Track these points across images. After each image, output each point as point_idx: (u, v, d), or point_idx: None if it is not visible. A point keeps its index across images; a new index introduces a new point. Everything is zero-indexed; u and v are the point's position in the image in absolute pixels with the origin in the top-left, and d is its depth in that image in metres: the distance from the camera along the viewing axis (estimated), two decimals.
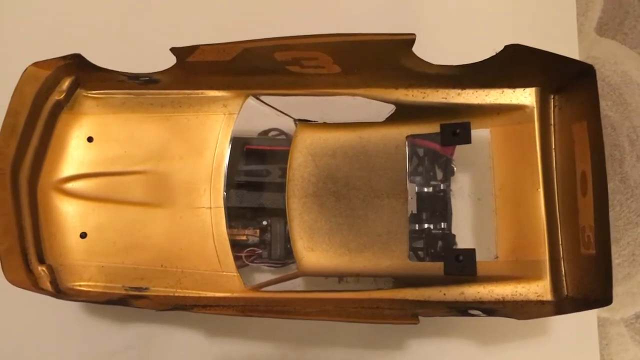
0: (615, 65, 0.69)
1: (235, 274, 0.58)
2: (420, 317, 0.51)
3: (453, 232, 0.60)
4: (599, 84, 0.70)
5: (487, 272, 0.57)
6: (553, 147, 0.58)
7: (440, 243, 0.60)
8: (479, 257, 0.57)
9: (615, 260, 0.65)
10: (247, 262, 0.63)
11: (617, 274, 0.65)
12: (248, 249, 0.62)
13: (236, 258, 0.61)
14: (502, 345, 0.65)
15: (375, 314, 0.54)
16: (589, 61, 0.70)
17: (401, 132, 0.60)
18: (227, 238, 0.58)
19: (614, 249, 0.65)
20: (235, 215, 0.62)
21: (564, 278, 0.55)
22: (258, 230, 0.63)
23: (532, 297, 0.55)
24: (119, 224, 0.59)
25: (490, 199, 0.58)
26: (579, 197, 0.53)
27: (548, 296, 0.55)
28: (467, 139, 0.59)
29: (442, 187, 0.61)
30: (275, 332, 0.65)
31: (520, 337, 0.65)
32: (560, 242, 0.56)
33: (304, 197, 0.59)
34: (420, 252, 0.60)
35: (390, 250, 0.58)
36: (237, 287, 0.57)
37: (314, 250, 0.59)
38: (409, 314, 0.50)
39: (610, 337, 0.63)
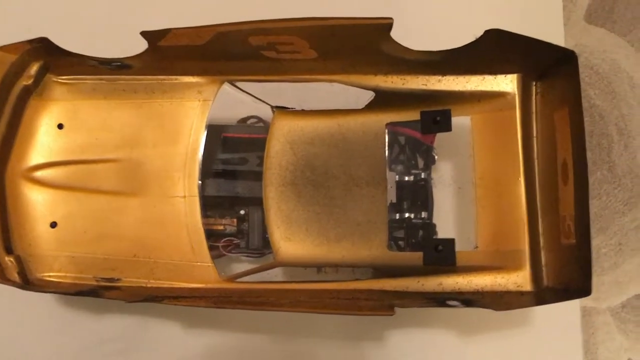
0: (604, 54, 0.69)
1: (210, 264, 0.57)
2: (399, 309, 0.50)
3: (434, 221, 0.59)
4: (587, 72, 0.70)
5: (466, 262, 0.56)
6: (535, 135, 0.57)
7: (420, 233, 0.59)
8: (459, 247, 0.56)
9: (602, 250, 0.65)
10: (224, 252, 0.61)
11: (604, 263, 0.64)
12: (225, 239, 0.61)
13: (212, 248, 0.60)
14: (483, 335, 0.65)
15: (352, 305, 0.53)
16: (577, 49, 0.69)
17: (381, 119, 0.59)
18: (201, 227, 0.57)
19: (600, 239, 0.65)
20: (211, 204, 0.61)
21: (544, 268, 0.54)
22: (235, 220, 0.62)
23: (512, 287, 0.54)
24: (90, 213, 0.58)
25: (471, 187, 0.57)
26: (560, 186, 0.52)
27: (528, 286, 0.54)
28: (447, 127, 0.57)
29: (423, 176, 0.60)
30: (257, 323, 0.64)
31: (502, 328, 0.64)
32: (540, 232, 0.55)
33: (281, 185, 0.58)
34: (400, 242, 0.59)
35: (369, 239, 0.57)
36: (212, 277, 0.56)
37: (291, 240, 0.58)
38: (387, 305, 0.49)
39: (597, 326, 0.63)
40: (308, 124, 0.59)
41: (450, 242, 0.56)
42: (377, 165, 0.58)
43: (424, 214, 0.59)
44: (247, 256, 0.63)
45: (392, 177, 0.60)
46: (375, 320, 0.63)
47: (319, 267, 0.60)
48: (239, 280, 0.58)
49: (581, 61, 0.68)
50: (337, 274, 0.60)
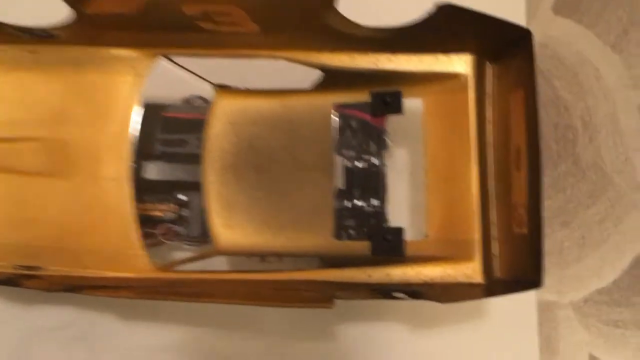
0: (570, 45, 0.67)
1: (142, 252, 0.52)
2: (344, 301, 0.47)
3: (386, 209, 0.56)
4: (554, 63, 0.68)
5: (416, 252, 0.53)
6: (489, 118, 0.54)
7: (371, 221, 0.56)
8: (409, 236, 0.53)
9: (565, 244, 0.63)
10: (162, 240, 0.58)
11: (567, 256, 0.63)
12: (162, 226, 0.57)
13: (150, 235, 0.56)
14: (434, 329, 0.62)
15: (292, 297, 0.49)
16: (544, 41, 0.67)
17: (328, 100, 0.56)
18: (133, 213, 0.53)
19: (564, 232, 0.64)
20: (149, 188, 0.58)
21: (495, 259, 0.52)
22: (175, 206, 0.58)
23: (462, 278, 0.51)
24: (11, 196, 0.53)
25: (423, 173, 0.54)
26: (513, 173, 0.50)
27: (478, 278, 0.51)
28: (398, 109, 0.55)
29: (374, 161, 0.57)
30: (202, 316, 0.61)
31: (453, 322, 0.62)
32: (492, 221, 0.52)
33: (222, 169, 0.55)
34: (349, 231, 0.56)
35: (315, 228, 0.54)
36: (143, 266, 0.52)
37: (231, 227, 0.54)
38: (329, 296, 0.46)
39: (558, 320, 0.62)
40: (251, 104, 0.56)
41: (399, 232, 0.53)
42: (324, 149, 0.55)
43: (375, 202, 0.56)
44: (188, 244, 0.59)
45: (340, 163, 0.56)
46: (320, 315, 0.60)
47: (262, 256, 0.57)
48: (174, 270, 0.54)
49: (547, 52, 0.66)
50: (281, 263, 0.57)
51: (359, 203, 0.57)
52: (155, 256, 0.54)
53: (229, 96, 0.56)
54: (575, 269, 0.64)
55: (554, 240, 0.63)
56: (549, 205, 0.63)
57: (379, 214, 0.57)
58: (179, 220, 0.58)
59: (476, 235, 0.52)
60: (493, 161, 0.53)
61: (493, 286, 0.50)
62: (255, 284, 0.51)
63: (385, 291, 0.50)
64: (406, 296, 0.49)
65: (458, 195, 0.53)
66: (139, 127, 0.55)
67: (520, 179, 0.49)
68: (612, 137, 0.65)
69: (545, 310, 0.63)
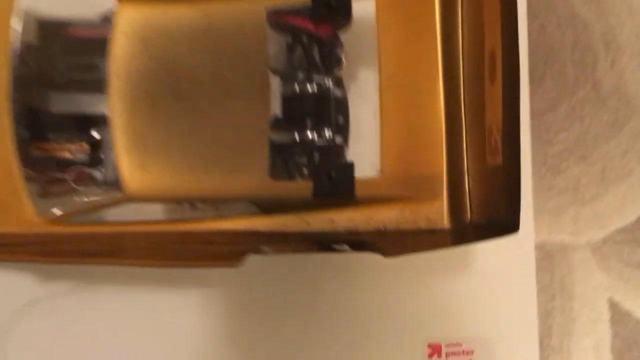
0: None
1: (27, 201, 0.43)
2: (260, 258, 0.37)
3: (344, 143, 0.47)
4: None
5: (367, 192, 0.42)
6: (460, 21, 0.42)
7: (321, 157, 0.45)
8: (359, 173, 0.43)
9: (582, 180, 0.59)
10: (75, 187, 0.48)
11: (584, 194, 0.59)
12: (73, 169, 0.48)
13: (58, 181, 0.47)
14: (403, 283, 0.52)
15: (200, 254, 0.39)
16: None
17: (260, 6, 0.44)
18: (15, 153, 0.43)
19: (581, 167, 0.59)
20: (55, 124, 0.48)
21: (466, 197, 0.41)
22: (87, 145, 0.48)
23: (423, 223, 0.40)
24: None
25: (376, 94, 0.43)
26: (487, 87, 0.39)
27: (444, 222, 0.41)
28: (345, 13, 0.44)
29: (325, 83, 0.47)
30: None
31: (440, 272, 0.52)
32: (462, 150, 0.41)
33: (132, 97, 0.45)
34: (290, 169, 0.46)
35: (246, 166, 0.45)
36: (29, 219, 0.42)
37: (145, 167, 0.44)
38: (241, 252, 0.36)
39: (574, 263, 0.58)
40: (166, 14, 0.46)
41: (347, 168, 0.43)
42: (256, 68, 0.45)
43: (328, 134, 0.46)
44: (106, 191, 0.49)
45: (278, 85, 0.45)
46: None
47: (189, 202, 0.47)
48: (71, 223, 0.44)
49: None
50: (216, 211, 0.47)
51: (308, 135, 0.46)
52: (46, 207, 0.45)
53: (138, 6, 0.46)
54: (593, 207, 0.59)
55: (570, 177, 0.58)
56: (565, 137, 0.58)
57: (334, 149, 0.47)
58: (94, 162, 0.49)
59: (443, 167, 0.41)
60: (462, 73, 0.41)
61: (461, 232, 0.40)
62: (161, 237, 0.41)
63: (325, 242, 0.40)
64: (348, 248, 0.39)
65: (420, 120, 0.42)
66: (19, 43, 0.44)
67: (494, 95, 0.38)
68: (638, 59, 0.60)
69: (559, 253, 0.58)
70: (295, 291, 0.53)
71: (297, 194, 0.44)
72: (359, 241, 0.40)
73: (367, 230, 0.41)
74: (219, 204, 0.48)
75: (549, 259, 0.59)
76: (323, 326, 0.53)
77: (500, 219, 0.37)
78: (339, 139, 0.47)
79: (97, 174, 0.49)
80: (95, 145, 0.49)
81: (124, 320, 0.51)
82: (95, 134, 0.49)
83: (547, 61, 0.61)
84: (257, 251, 0.38)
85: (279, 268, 0.52)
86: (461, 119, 0.42)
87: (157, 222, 0.44)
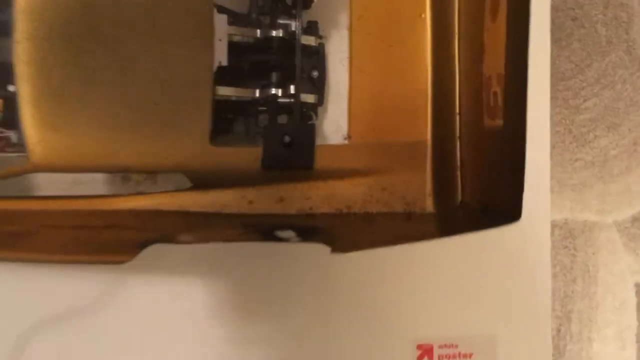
0: None
1: None
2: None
3: (313, 101, 0.38)
4: None
5: (330, 163, 0.33)
6: None
7: (272, 117, 0.37)
8: (321, 139, 0.33)
9: (611, 152, 0.53)
10: None
11: (613, 167, 0.54)
12: None
13: None
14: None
15: (91, 243, 0.30)
16: None
17: None
18: None
19: (610, 138, 0.54)
20: None
21: (457, 172, 0.31)
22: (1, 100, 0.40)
23: (399, 205, 0.31)
24: None
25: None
26: (487, 24, 0.29)
27: (426, 204, 0.31)
28: None
29: (291, 27, 0.38)
30: None
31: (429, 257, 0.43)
32: (455, 109, 0.31)
33: (44, 41, 0.36)
34: (235, 132, 0.37)
35: (182, 129, 0.36)
36: None
37: (57, 130, 0.36)
38: (161, 239, 0.27)
39: (599, 244, 0.54)
40: None
41: (306, 132, 0.33)
42: (199, 4, 0.36)
43: (292, 89, 0.38)
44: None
45: (224, 27, 0.36)
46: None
47: (124, 174, 0.38)
48: None
49: None
50: (154, 186, 0.38)
51: (268, 92, 0.37)
52: None
53: None
54: (622, 183, 0.55)
55: (598, 148, 0.53)
56: (593, 104, 0.53)
57: (304, 109, 0.38)
58: (9, 122, 0.40)
59: (426, 133, 0.32)
60: (460, 8, 0.31)
61: (449, 218, 0.30)
62: (55, 217, 0.32)
63: (266, 229, 0.31)
64: (295, 236, 0.29)
65: (400, 68, 0.32)
66: None
67: (496, 34, 0.28)
68: None
69: (583, 233, 0.54)
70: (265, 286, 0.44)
71: (244, 166, 0.35)
72: (311, 227, 0.30)
73: (327, 212, 0.32)
74: (156, 177, 0.39)
75: (571, 238, 0.54)
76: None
77: (499, 202, 0.28)
78: (310, 97, 0.38)
79: (14, 136, 0.40)
80: (10, 102, 0.40)
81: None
82: (11, 88, 0.40)
83: (575, 18, 0.55)
84: (170, 239, 0.29)
85: (247, 258, 0.43)
86: (453, 67, 0.32)
87: (45, 198, 0.35)
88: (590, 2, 0.54)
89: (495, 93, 0.29)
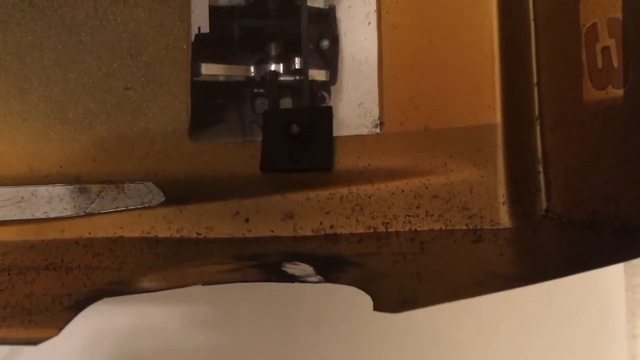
0: None
1: None
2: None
3: (318, 78, 0.31)
4: None
5: (355, 161, 0.23)
6: None
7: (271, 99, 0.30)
8: (342, 128, 0.23)
9: None
10: None
11: None
12: None
13: None
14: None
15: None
16: None
17: None
18: None
19: None
20: None
21: (539, 167, 0.21)
22: None
23: (459, 220, 0.21)
24: None
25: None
26: None
27: (501, 217, 0.21)
28: None
29: None
30: None
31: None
32: (533, 79, 0.21)
33: None
34: (227, 123, 0.27)
35: (151, 120, 0.29)
36: None
37: None
38: (107, 293, 0.17)
39: None
40: None
41: (321, 117, 0.23)
42: None
43: (294, 64, 0.31)
44: None
45: None
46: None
47: (68, 185, 0.29)
48: None
49: None
50: (115, 201, 0.29)
51: (269, 67, 0.28)
52: None
53: None
54: None
55: None
56: None
57: (311, 89, 0.31)
58: None
59: (494, 114, 0.22)
60: None
61: (535, 236, 0.20)
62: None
63: (270, 262, 0.21)
64: (314, 274, 0.19)
65: (451, 21, 0.22)
66: None
67: None
68: None
69: None
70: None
71: (236, 169, 0.25)
72: (336, 258, 0.20)
73: (354, 233, 0.22)
74: (123, 188, 0.29)
75: None
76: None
77: (618, 212, 0.18)
78: (320, 74, 0.28)
79: None
80: None
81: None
82: None
83: None
84: (127, 287, 0.18)
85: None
86: (528, 15, 0.22)
87: None
88: None
89: (605, 49, 0.19)
